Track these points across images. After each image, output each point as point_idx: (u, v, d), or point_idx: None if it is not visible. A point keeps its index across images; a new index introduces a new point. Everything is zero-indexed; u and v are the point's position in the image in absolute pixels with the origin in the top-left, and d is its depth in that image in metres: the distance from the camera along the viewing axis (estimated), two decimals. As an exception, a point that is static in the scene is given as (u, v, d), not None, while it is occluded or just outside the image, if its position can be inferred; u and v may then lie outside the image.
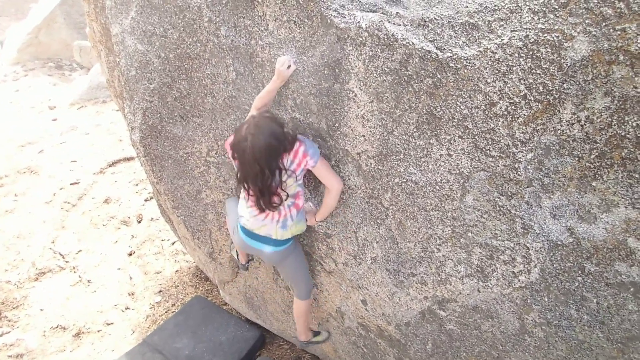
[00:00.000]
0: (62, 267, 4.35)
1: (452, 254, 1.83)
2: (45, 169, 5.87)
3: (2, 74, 9.46)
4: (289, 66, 1.94)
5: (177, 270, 4.33)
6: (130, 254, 4.53)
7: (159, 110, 2.63)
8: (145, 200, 5.28)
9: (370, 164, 1.91)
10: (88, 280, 4.21)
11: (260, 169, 1.85)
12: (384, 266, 2.10)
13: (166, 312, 3.88)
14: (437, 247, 1.86)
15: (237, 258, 2.87)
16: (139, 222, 4.96)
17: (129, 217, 5.02)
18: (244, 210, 2.19)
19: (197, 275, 4.26)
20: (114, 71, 3.31)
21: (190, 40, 2.28)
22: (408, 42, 1.59)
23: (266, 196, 1.94)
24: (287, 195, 1.99)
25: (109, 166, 5.98)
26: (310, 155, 1.94)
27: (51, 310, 3.89)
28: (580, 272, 1.52)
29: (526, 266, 1.63)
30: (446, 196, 1.74)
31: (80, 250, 4.56)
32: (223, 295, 3.79)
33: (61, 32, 10.26)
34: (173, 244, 4.63)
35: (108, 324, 3.80)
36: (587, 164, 1.39)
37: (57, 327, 3.75)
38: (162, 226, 4.80)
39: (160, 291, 4.10)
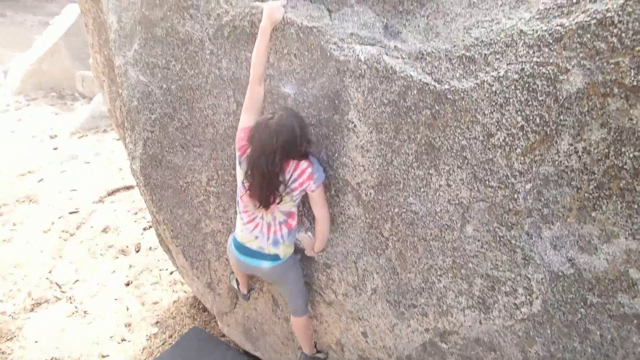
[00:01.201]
0: (58, 297, 4.30)
1: (453, 284, 1.82)
2: (44, 198, 5.86)
3: (5, 104, 9.55)
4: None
5: (174, 301, 4.27)
6: (127, 284, 4.47)
7: (159, 140, 2.65)
8: (144, 229, 5.26)
9: (370, 193, 1.92)
10: (84, 311, 4.15)
11: (275, 149, 1.80)
12: (384, 297, 2.08)
13: (163, 343, 3.80)
14: (438, 277, 1.85)
15: (238, 288, 2.83)
16: (137, 251, 4.92)
17: (127, 247, 4.98)
18: (238, 221, 2.15)
19: (195, 306, 4.20)
20: (116, 101, 3.35)
21: (192, 72, 2.32)
22: (406, 75, 1.62)
23: (265, 188, 1.88)
24: (281, 199, 1.92)
25: (109, 195, 5.97)
26: (314, 179, 1.91)
27: (46, 342, 3.81)
28: (582, 303, 1.51)
29: (528, 297, 1.62)
30: (446, 226, 1.74)
31: (77, 280, 4.51)
32: (221, 326, 3.73)
33: (64, 62, 10.41)
34: (171, 273, 4.58)
35: (103, 357, 3.72)
36: (585, 194, 1.39)
37: (51, 359, 3.67)
38: (160, 256, 4.76)
39: (157, 322, 4.04)
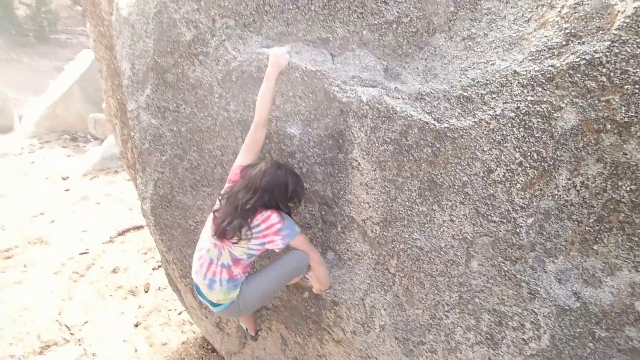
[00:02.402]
0: (67, 339, 4.28)
1: (460, 320, 1.81)
2: (55, 239, 5.92)
3: (19, 147, 9.80)
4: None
5: (183, 342, 4.24)
6: (136, 325, 4.46)
7: (169, 181, 2.71)
8: (153, 269, 5.27)
9: (376, 230, 1.95)
10: (92, 354, 4.13)
11: (257, 189, 1.81)
12: (392, 334, 2.07)
13: (171, 386, 3.76)
14: (445, 313, 1.85)
15: (246, 328, 2.83)
16: (146, 291, 4.92)
17: (137, 287, 4.99)
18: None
19: (203, 347, 4.16)
20: (128, 143, 3.45)
21: (202, 114, 2.41)
22: (407, 114, 1.68)
23: (229, 220, 1.82)
24: (239, 240, 1.85)
25: (119, 235, 6.03)
26: (282, 236, 1.86)
27: (54, 386, 3.78)
28: (590, 337, 1.50)
29: (536, 332, 1.61)
30: (451, 262, 1.75)
31: (86, 322, 4.50)
32: (230, 367, 3.69)
33: (77, 106, 10.74)
34: (180, 313, 4.56)
35: (111, 400, 3.68)
36: (586, 227, 1.42)
37: (58, 403, 3.63)
38: (169, 295, 4.75)
39: (165, 364, 4.00)
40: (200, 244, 2.04)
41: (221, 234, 1.85)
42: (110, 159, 8.31)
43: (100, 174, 8.11)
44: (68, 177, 8.06)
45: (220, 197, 1.96)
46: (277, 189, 1.85)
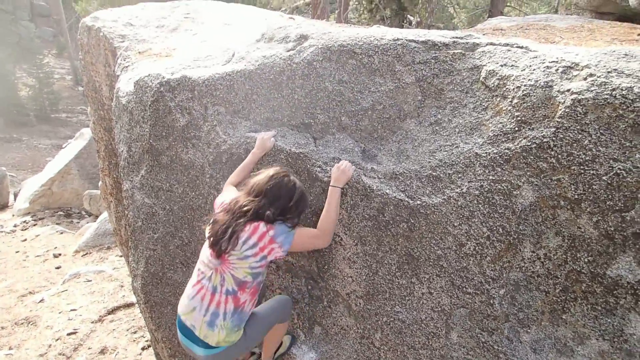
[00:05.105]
0: None
1: (445, 394, 1.83)
2: (43, 320, 5.81)
3: (12, 225, 9.82)
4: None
5: None
6: (122, 409, 4.29)
7: (161, 258, 2.78)
8: (143, 348, 5.15)
9: (360, 303, 2.00)
10: None
11: (260, 192, 1.76)
12: (380, 411, 2.06)
13: None
14: (430, 387, 1.87)
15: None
16: (134, 372, 4.79)
17: (124, 368, 4.86)
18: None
19: None
20: (122, 220, 3.54)
21: (193, 193, 2.53)
22: (383, 192, 1.81)
23: (225, 229, 1.71)
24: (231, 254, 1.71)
25: (109, 313, 5.93)
26: (279, 243, 1.74)
27: None
28: (569, 408, 1.53)
29: (517, 404, 1.64)
30: (432, 334, 1.80)
31: (69, 407, 4.34)
32: None
33: (74, 183, 10.91)
34: (168, 395, 4.41)
35: None
36: (554, 298, 1.50)
37: None
38: (157, 376, 4.62)
39: None
40: (195, 277, 1.87)
41: (215, 243, 1.73)
42: (103, 235, 8.34)
43: (92, 251, 8.09)
44: (60, 255, 8.04)
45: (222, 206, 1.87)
46: (282, 197, 1.76)
